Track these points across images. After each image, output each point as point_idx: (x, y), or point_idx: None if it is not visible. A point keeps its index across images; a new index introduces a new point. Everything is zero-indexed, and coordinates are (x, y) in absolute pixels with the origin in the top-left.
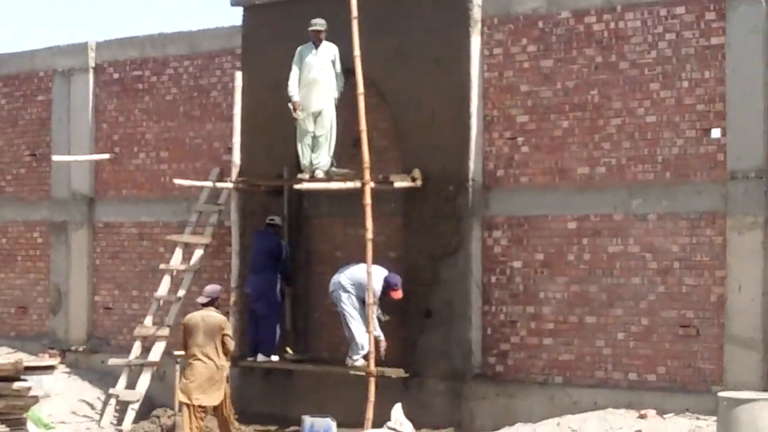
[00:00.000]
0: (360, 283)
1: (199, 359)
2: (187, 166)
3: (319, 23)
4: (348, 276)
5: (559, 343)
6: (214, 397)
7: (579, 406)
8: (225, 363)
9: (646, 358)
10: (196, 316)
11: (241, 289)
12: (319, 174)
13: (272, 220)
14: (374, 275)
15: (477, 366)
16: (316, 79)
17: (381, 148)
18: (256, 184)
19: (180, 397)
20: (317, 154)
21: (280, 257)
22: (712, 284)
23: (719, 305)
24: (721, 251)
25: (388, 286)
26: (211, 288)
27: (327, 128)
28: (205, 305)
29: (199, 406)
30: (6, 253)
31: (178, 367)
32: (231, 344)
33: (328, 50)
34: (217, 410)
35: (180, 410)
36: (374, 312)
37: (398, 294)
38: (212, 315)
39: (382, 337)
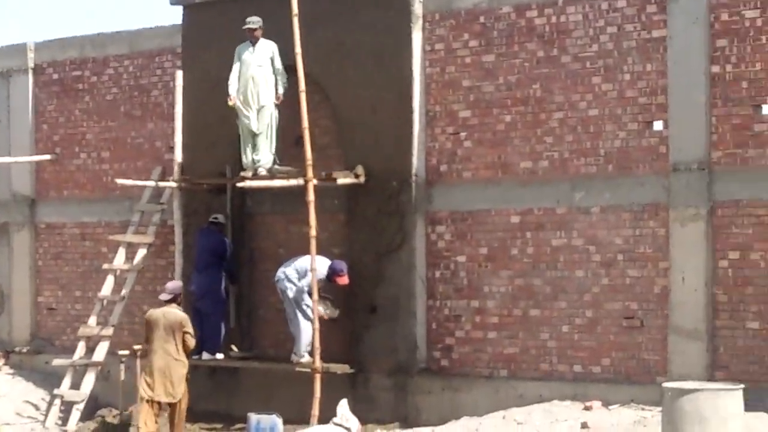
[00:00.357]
0: (305, 271)
1: (159, 355)
2: (129, 166)
3: (253, 21)
4: (293, 267)
5: (504, 337)
6: (174, 393)
7: (524, 399)
8: (185, 360)
9: (590, 350)
10: (157, 312)
11: (185, 287)
12: (262, 172)
13: (216, 218)
14: (318, 264)
15: (422, 360)
16: (254, 77)
17: (323, 145)
18: (198, 183)
19: (142, 392)
20: (258, 152)
21: (224, 255)
22: (656, 276)
23: (663, 297)
24: (664, 243)
25: (333, 272)
26: (173, 284)
27: (267, 126)
28: (167, 302)
29: (158, 402)
30: None
31: (122, 366)
32: (191, 342)
33: (266, 48)
34: (172, 407)
35: (137, 404)
36: (320, 304)
37: (344, 280)
38: (173, 312)
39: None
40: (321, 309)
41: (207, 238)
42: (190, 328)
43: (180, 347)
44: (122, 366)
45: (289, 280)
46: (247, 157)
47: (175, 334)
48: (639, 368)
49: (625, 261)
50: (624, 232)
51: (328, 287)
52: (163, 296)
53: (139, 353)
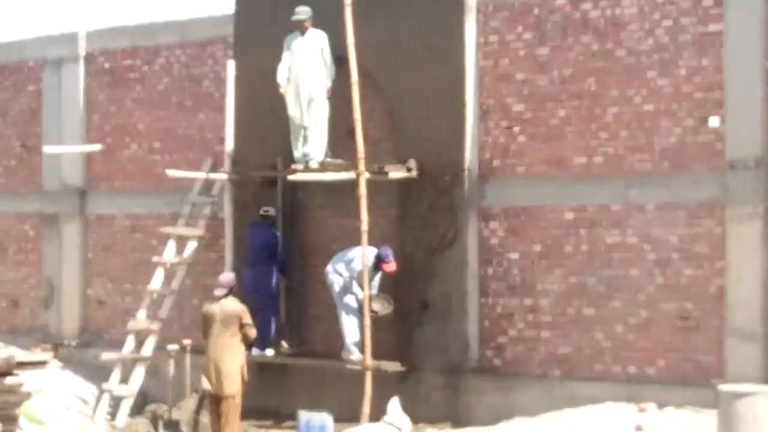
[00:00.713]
0: (352, 262)
1: (216, 348)
2: (179, 157)
3: (302, 12)
4: (341, 259)
5: (558, 336)
6: (233, 387)
7: (578, 400)
8: (242, 353)
9: (645, 351)
10: (214, 306)
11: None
12: (313, 165)
13: (266, 211)
14: (366, 254)
15: (474, 359)
16: (305, 69)
17: (376, 138)
18: (249, 175)
19: (205, 386)
20: (309, 144)
21: (275, 249)
22: (712, 275)
23: (719, 297)
24: (720, 242)
25: (378, 259)
26: (226, 277)
27: (319, 118)
28: (222, 297)
29: (220, 394)
30: None
31: (172, 361)
32: (252, 332)
33: (316, 38)
34: (227, 401)
35: (203, 398)
36: (373, 301)
37: (390, 266)
38: (231, 304)
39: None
40: (374, 306)
41: (258, 232)
42: (249, 319)
43: (237, 339)
44: (171, 361)
45: (336, 273)
46: (298, 150)
47: (231, 326)
48: (694, 370)
49: (680, 260)
50: (679, 231)
51: (378, 282)
52: (218, 291)
53: (172, 354)
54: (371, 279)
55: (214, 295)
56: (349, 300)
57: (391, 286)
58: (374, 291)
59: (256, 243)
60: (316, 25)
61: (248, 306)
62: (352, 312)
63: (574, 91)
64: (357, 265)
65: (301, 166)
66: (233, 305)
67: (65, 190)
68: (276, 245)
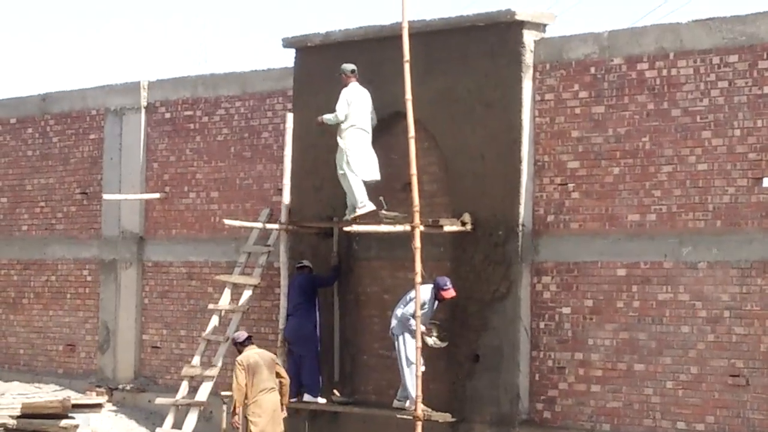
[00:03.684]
0: (408, 301)
1: (266, 395)
2: (237, 207)
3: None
4: (399, 303)
5: (607, 391)
6: (280, 426)
7: None
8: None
9: (694, 407)
10: (253, 355)
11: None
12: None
13: (301, 263)
14: (423, 292)
15: (524, 412)
16: (365, 123)
17: (431, 191)
18: (305, 226)
19: None
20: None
21: (314, 289)
22: (762, 334)
23: None
24: None
25: (437, 287)
26: (238, 332)
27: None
28: (244, 343)
29: None
30: (55, 290)
31: (225, 407)
32: (286, 374)
33: (367, 96)
34: None
35: None
36: (427, 335)
37: (450, 293)
38: (264, 351)
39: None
40: (429, 340)
41: (296, 280)
42: (281, 362)
43: (276, 383)
44: (224, 407)
45: (395, 317)
46: (359, 202)
47: (273, 371)
48: (744, 427)
49: (731, 318)
50: (731, 289)
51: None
52: (240, 335)
53: (225, 400)
54: (430, 313)
55: (238, 347)
56: (411, 350)
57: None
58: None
59: (295, 290)
60: (375, 80)
61: (292, 354)
62: (413, 364)
63: (628, 150)
64: (412, 306)
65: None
66: (267, 352)
67: (124, 237)
68: (313, 286)
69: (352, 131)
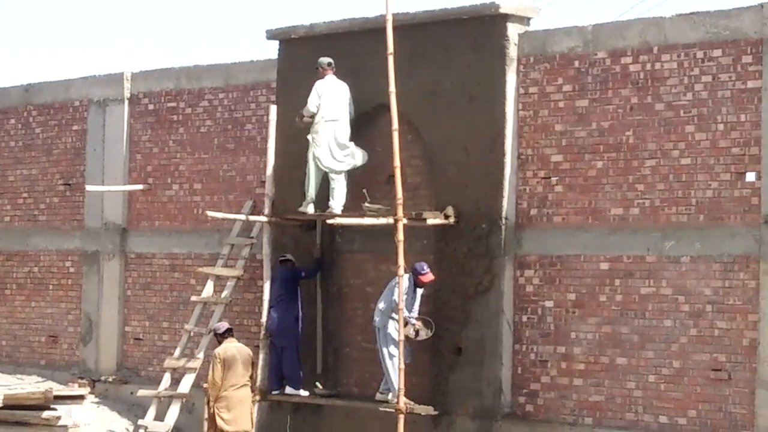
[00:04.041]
0: (390, 292)
1: (237, 390)
2: (220, 199)
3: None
4: (381, 298)
5: (590, 384)
6: (251, 423)
7: None
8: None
9: (677, 401)
10: (231, 348)
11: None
12: (334, 210)
13: (283, 256)
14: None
15: (507, 405)
16: (337, 115)
17: (414, 184)
18: (288, 218)
19: (223, 426)
20: (336, 192)
21: (297, 282)
22: (745, 328)
23: (751, 349)
24: (754, 295)
25: (415, 273)
26: (220, 322)
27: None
28: (224, 334)
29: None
30: (38, 281)
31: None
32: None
33: (344, 88)
34: None
35: None
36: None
37: (428, 277)
38: (242, 346)
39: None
40: (412, 332)
41: (280, 272)
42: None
43: (248, 382)
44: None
45: (378, 311)
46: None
47: (248, 367)
48: (725, 421)
49: (714, 312)
50: (713, 283)
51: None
52: (221, 326)
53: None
54: (411, 302)
55: (218, 338)
56: (393, 346)
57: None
58: (414, 314)
59: (278, 283)
60: (358, 72)
61: (274, 346)
62: (395, 357)
63: (612, 143)
64: (394, 295)
65: (310, 210)
66: (245, 347)
67: (106, 229)
68: (295, 279)
69: (321, 124)
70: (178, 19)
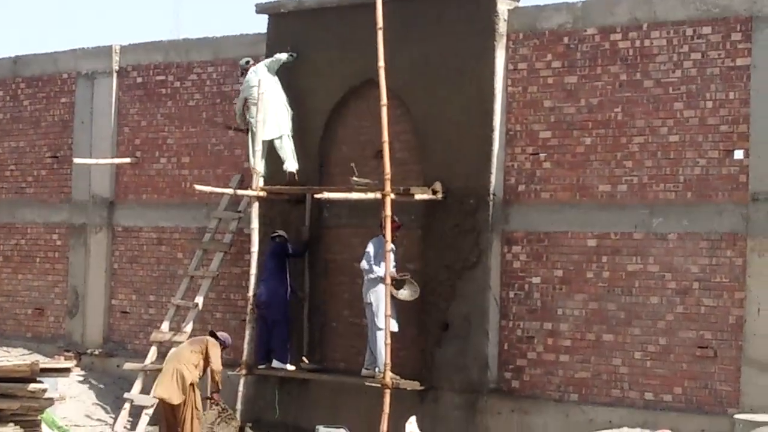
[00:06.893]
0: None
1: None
2: (208, 173)
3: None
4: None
5: (576, 361)
6: (175, 394)
7: (594, 424)
8: (196, 375)
9: (662, 378)
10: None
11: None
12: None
13: (275, 233)
14: (373, 243)
15: (493, 381)
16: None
17: (402, 159)
18: (277, 192)
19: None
20: (286, 154)
21: (286, 256)
22: (731, 306)
23: (737, 327)
24: (740, 273)
25: (382, 228)
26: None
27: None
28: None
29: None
30: (25, 254)
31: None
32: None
33: (263, 70)
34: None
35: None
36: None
37: (395, 224)
38: (206, 339)
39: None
40: (399, 292)
41: (270, 246)
42: (216, 360)
43: (195, 364)
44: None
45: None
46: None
47: (196, 351)
48: (711, 399)
49: (700, 289)
50: (700, 261)
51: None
52: (228, 341)
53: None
54: (380, 260)
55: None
56: (381, 317)
57: (413, 306)
58: (392, 267)
59: (269, 257)
60: (347, 47)
61: (264, 319)
62: (382, 330)
63: (600, 120)
64: (369, 249)
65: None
66: (206, 339)
67: (94, 202)
68: (286, 251)
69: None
70: None
